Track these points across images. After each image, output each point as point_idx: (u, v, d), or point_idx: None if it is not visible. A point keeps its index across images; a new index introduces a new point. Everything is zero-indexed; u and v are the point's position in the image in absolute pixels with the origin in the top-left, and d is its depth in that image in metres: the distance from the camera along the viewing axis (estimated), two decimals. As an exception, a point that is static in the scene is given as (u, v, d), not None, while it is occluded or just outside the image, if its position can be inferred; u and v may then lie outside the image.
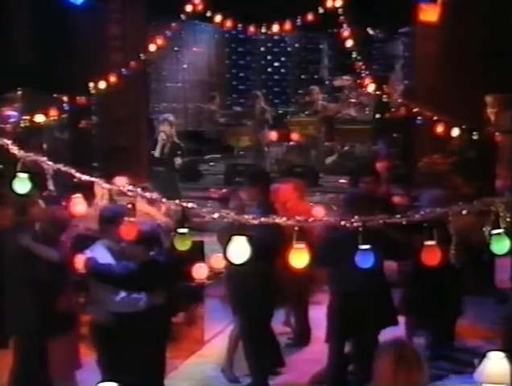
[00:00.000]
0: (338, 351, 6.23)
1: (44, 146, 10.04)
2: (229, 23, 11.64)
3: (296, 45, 19.02)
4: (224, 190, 7.69)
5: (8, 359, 6.03)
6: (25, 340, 5.69)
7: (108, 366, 5.54)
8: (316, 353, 6.74)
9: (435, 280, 6.28)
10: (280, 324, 7.61)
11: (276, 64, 19.01)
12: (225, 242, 6.15)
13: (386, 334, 5.63)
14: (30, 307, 5.58)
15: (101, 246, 5.61)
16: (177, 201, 4.14)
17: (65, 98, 9.99)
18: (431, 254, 3.96)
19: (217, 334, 7.60)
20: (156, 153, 10.26)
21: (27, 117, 9.29)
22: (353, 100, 16.33)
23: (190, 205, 4.05)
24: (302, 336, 7.61)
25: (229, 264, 6.07)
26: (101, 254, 5.54)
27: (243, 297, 6.38)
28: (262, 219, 4.10)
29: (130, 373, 5.23)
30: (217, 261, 6.80)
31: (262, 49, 18.74)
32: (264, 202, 6.34)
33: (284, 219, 4.04)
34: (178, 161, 10.31)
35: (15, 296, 5.70)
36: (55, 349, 5.64)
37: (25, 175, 3.96)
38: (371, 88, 11.79)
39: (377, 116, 14.22)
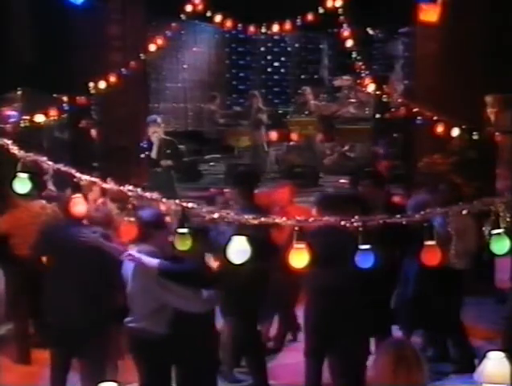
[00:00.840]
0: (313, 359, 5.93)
1: (44, 146, 10.02)
2: (229, 23, 11.62)
3: (296, 45, 19.02)
4: (212, 190, 7.64)
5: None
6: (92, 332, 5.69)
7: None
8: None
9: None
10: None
11: (276, 64, 19.00)
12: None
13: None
14: (94, 302, 5.64)
15: (144, 253, 5.22)
16: (177, 201, 4.13)
17: (65, 98, 9.97)
18: (431, 254, 3.96)
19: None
20: (153, 154, 10.21)
21: (27, 117, 9.26)
22: (352, 100, 16.36)
23: (190, 205, 4.04)
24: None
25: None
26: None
27: (237, 300, 6.27)
28: (263, 219, 4.08)
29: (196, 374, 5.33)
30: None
31: (262, 49, 18.73)
32: (248, 204, 6.12)
33: (284, 219, 4.03)
34: (166, 162, 10.16)
35: (82, 291, 5.69)
36: (113, 339, 5.88)
37: (25, 175, 3.95)
38: (371, 88, 11.81)
39: (377, 116, 14.23)
